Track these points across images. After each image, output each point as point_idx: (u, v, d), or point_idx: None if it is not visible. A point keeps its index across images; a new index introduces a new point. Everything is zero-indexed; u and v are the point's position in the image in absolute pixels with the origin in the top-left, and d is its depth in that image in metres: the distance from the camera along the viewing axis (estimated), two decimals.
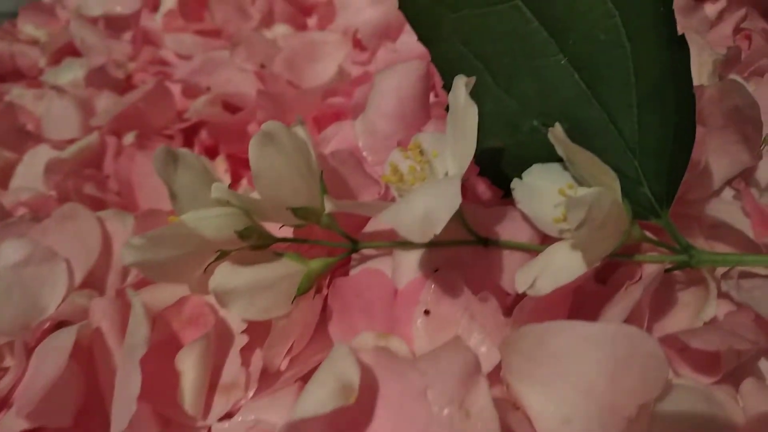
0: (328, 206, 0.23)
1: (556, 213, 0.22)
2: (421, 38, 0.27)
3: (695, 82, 0.26)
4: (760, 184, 0.26)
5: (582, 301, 0.23)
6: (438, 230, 0.19)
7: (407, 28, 0.37)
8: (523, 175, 0.23)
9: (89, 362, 0.24)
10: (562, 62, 0.24)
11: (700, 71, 0.26)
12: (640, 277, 0.22)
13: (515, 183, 0.23)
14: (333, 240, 0.24)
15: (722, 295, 0.21)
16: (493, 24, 0.25)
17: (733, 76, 0.27)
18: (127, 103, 0.37)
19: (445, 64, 0.27)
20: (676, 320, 0.21)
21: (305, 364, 0.22)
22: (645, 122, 0.22)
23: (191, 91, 0.40)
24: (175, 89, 0.41)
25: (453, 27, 0.26)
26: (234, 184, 0.38)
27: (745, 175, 0.26)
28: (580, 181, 0.22)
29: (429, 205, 0.19)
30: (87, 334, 0.24)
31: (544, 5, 0.24)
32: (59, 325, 0.25)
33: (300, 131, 0.24)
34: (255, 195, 0.23)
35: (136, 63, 0.44)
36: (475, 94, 0.26)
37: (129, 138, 0.37)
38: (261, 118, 0.37)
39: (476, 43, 0.26)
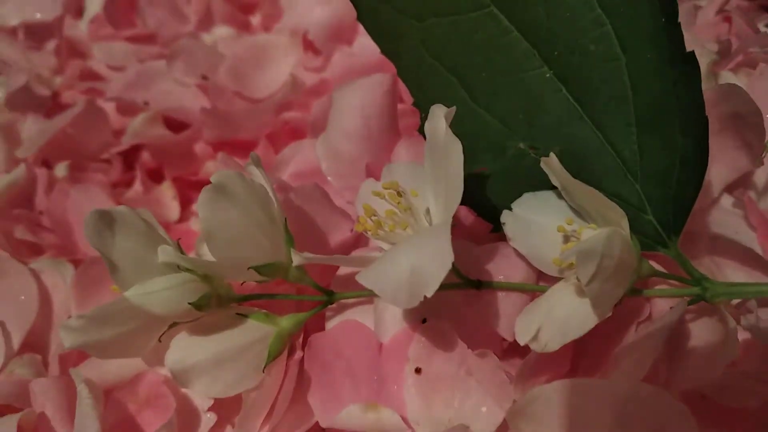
0: (297, 260, 0.20)
1: (554, 252, 0.19)
2: (384, 51, 0.24)
3: None
4: (757, 187, 0.25)
5: (585, 340, 0.21)
6: (430, 293, 0.17)
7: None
8: (513, 205, 0.21)
9: None
10: (548, 75, 0.21)
11: None
12: (650, 315, 0.20)
13: (506, 216, 0.21)
14: (304, 292, 0.22)
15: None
16: (466, 33, 0.23)
17: (725, 73, 0.25)
18: (56, 128, 0.33)
19: (414, 79, 0.24)
20: (692, 363, 0.19)
21: None
22: (646, 143, 0.20)
23: (127, 108, 0.36)
24: (109, 107, 0.36)
25: (420, 37, 0.23)
26: (184, 209, 0.35)
27: (743, 180, 0.24)
28: (579, 213, 0.20)
29: (417, 263, 0.17)
30: (32, 419, 0.21)
31: (522, 12, 0.21)
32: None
33: (257, 173, 0.21)
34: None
35: (63, 78, 0.40)
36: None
37: (61, 169, 0.33)
38: (208, 137, 0.34)
39: (448, 55, 0.23)
